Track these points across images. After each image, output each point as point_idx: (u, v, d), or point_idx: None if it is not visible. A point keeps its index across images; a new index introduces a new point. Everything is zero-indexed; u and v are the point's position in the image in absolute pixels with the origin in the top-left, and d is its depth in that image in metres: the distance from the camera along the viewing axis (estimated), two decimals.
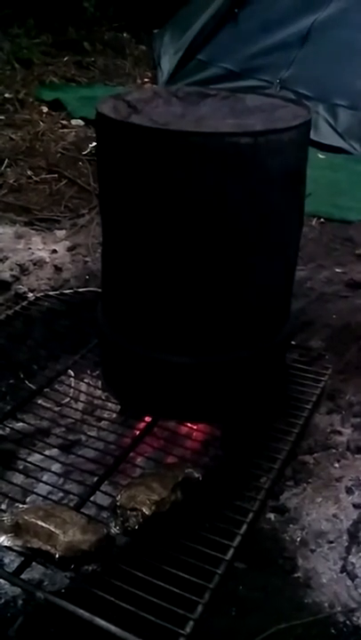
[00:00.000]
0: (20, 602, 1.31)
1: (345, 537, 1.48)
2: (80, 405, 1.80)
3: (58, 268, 2.46)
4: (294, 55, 4.10)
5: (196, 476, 1.39)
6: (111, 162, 1.43)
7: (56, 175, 3.29)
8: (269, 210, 1.38)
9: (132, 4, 5.47)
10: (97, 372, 1.86)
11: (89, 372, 1.89)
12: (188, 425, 1.66)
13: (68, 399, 1.81)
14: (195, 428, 1.67)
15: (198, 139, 1.30)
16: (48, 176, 3.28)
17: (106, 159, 1.47)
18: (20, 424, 1.70)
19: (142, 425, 1.65)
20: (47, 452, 1.62)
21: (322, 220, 2.98)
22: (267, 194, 1.36)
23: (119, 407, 1.75)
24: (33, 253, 2.55)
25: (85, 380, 1.88)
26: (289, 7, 4.19)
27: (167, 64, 4.60)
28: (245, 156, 1.31)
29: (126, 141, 1.35)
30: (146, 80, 4.89)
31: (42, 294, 2.23)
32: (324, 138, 3.77)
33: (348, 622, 1.31)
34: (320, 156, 3.63)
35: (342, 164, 3.64)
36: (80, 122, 3.91)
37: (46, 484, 1.53)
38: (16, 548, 1.23)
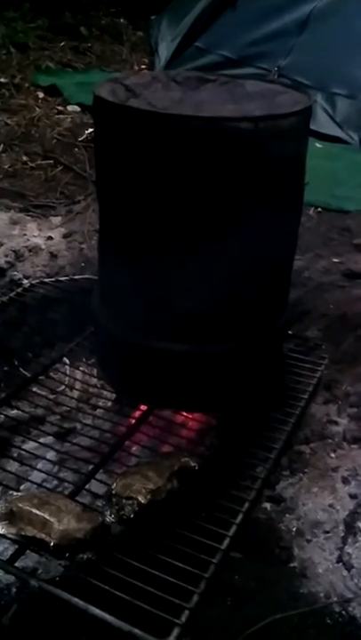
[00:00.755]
0: (14, 590, 1.30)
1: (341, 527, 1.47)
2: (75, 393, 1.79)
3: (53, 255, 2.44)
4: (292, 43, 4.06)
5: (192, 464, 1.38)
6: (109, 146, 1.41)
7: (52, 161, 3.26)
8: (269, 196, 1.36)
9: None
10: (92, 360, 1.85)
11: (84, 359, 1.88)
12: (184, 414, 1.66)
13: (63, 387, 1.79)
14: (191, 416, 1.66)
15: (198, 123, 1.28)
16: (44, 162, 3.25)
17: (103, 144, 1.45)
18: (15, 411, 1.69)
19: (138, 413, 1.64)
20: (42, 440, 1.61)
21: (319, 209, 2.96)
22: (266, 180, 1.34)
23: (115, 395, 1.73)
24: (28, 240, 2.52)
25: (81, 368, 1.86)
26: None
27: (164, 51, 4.56)
28: (246, 141, 1.29)
29: (125, 125, 1.33)
30: (143, 66, 4.84)
31: (37, 281, 2.21)
32: (322, 127, 3.74)
33: (343, 612, 1.30)
34: (318, 145, 3.60)
35: (340, 154, 3.61)
36: (76, 108, 3.87)
37: (41, 471, 1.52)
38: (10, 535, 1.22)
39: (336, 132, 3.76)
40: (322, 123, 3.77)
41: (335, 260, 2.54)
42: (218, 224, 1.36)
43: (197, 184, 1.31)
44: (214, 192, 1.32)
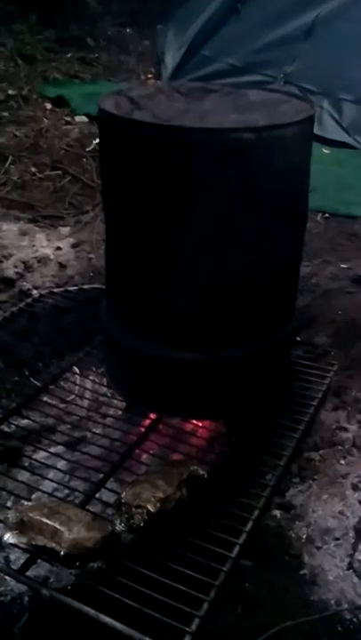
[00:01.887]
0: (26, 599, 1.31)
1: (351, 534, 1.47)
2: (85, 402, 1.80)
3: (62, 265, 2.46)
4: (298, 50, 4.08)
5: (202, 473, 1.38)
6: (114, 158, 1.43)
7: (60, 172, 3.29)
8: (273, 205, 1.37)
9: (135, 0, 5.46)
10: (102, 369, 1.86)
11: (94, 368, 1.89)
12: (194, 422, 1.66)
13: (73, 396, 1.80)
14: (200, 424, 1.66)
15: (202, 134, 1.30)
16: (52, 173, 3.28)
17: (108, 156, 1.46)
18: (26, 421, 1.70)
19: (147, 422, 1.65)
20: (52, 450, 1.62)
21: (327, 215, 2.97)
22: (270, 189, 1.35)
23: (124, 404, 1.74)
24: (37, 250, 2.55)
25: (90, 377, 1.87)
26: (292, 1, 4.17)
27: (171, 59, 4.59)
28: (249, 151, 1.30)
29: (129, 137, 1.35)
30: (150, 76, 4.88)
31: (46, 291, 2.23)
32: (329, 133, 3.76)
33: (354, 619, 1.30)
34: (325, 151, 3.61)
35: (347, 159, 3.62)
36: (84, 118, 3.90)
37: (52, 481, 1.52)
38: (21, 545, 1.23)
39: (343, 137, 3.78)
40: (329, 128, 3.79)
41: (343, 265, 2.55)
42: (223, 233, 1.37)
43: (201, 194, 1.32)
44: (219, 201, 1.33)
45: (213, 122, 1.37)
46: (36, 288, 2.29)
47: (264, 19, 4.24)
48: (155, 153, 1.32)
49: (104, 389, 1.82)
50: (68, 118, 3.93)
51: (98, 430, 1.69)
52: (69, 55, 4.96)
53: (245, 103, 1.51)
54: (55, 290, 2.25)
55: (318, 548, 1.44)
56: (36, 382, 1.87)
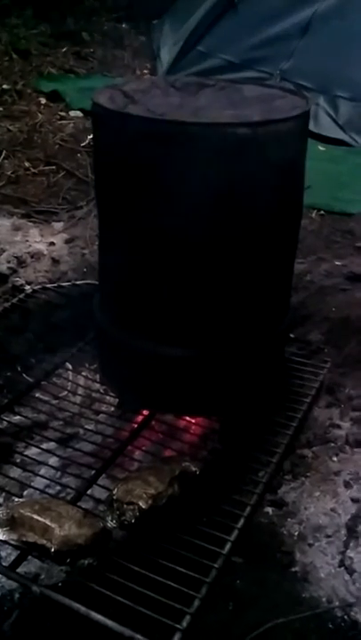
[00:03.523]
0: (17, 596, 1.31)
1: (343, 531, 1.47)
2: (78, 398, 1.79)
3: (55, 261, 2.44)
4: (294, 46, 4.07)
5: (194, 469, 1.38)
6: (108, 152, 1.42)
7: (54, 167, 3.27)
8: (268, 201, 1.36)
9: None
10: (95, 365, 1.85)
11: (87, 365, 1.88)
12: (186, 418, 1.66)
13: (65, 392, 1.80)
14: (193, 421, 1.66)
15: (196, 129, 1.29)
16: (46, 168, 3.26)
17: (102, 150, 1.45)
18: (18, 417, 1.69)
19: (140, 418, 1.65)
20: (44, 446, 1.61)
21: (322, 212, 2.96)
22: (265, 185, 1.34)
23: (117, 400, 1.74)
24: (30, 246, 2.53)
25: (83, 374, 1.87)
26: None
27: (167, 55, 4.57)
28: (244, 146, 1.29)
29: (123, 132, 1.34)
30: (145, 71, 4.86)
31: (39, 287, 2.21)
32: (325, 130, 3.74)
33: (345, 617, 1.30)
34: (320, 148, 3.60)
35: (343, 157, 3.61)
36: (79, 113, 3.88)
37: (43, 477, 1.52)
38: (11, 541, 1.22)
39: (339, 134, 3.77)
40: (325, 125, 3.78)
41: (338, 262, 2.54)
42: (217, 228, 1.36)
43: (196, 189, 1.31)
44: (213, 196, 1.33)
45: (208, 116, 1.36)
46: (29, 283, 2.28)
47: (261, 15, 4.23)
48: (149, 147, 1.31)
49: (97, 386, 1.82)
50: (62, 113, 3.91)
51: (90, 427, 1.68)
52: (64, 50, 4.93)
53: (240, 98, 1.50)
54: (48, 285, 2.23)
55: (310, 546, 1.44)
56: (28, 378, 1.86)
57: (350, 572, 1.39)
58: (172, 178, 1.32)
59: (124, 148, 1.35)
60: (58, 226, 2.73)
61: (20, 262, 2.42)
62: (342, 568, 1.40)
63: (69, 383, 1.84)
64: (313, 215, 2.92)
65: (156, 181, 1.33)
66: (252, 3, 4.31)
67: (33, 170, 3.23)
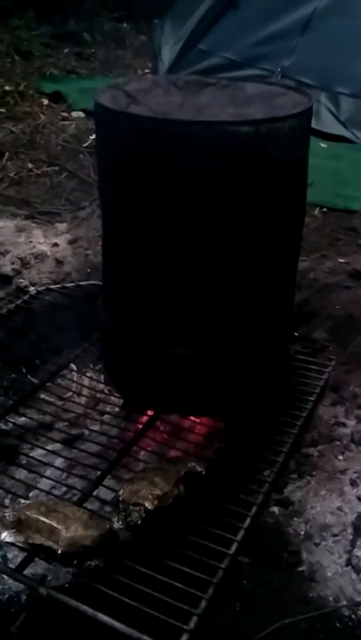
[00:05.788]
0: (24, 598, 1.30)
1: (350, 530, 1.47)
2: (83, 399, 1.79)
3: (59, 262, 2.44)
4: (295, 43, 4.06)
5: (199, 469, 1.38)
6: (110, 153, 1.41)
7: (57, 168, 3.27)
8: (271, 199, 1.36)
9: None
10: (99, 366, 1.85)
11: (91, 365, 1.88)
12: (191, 418, 1.65)
13: (70, 393, 1.80)
14: (198, 421, 1.65)
15: (199, 128, 1.28)
16: (49, 169, 3.27)
17: (105, 150, 1.45)
18: (23, 419, 1.69)
19: (145, 419, 1.64)
20: (50, 447, 1.61)
21: (325, 209, 2.96)
22: (268, 183, 1.34)
23: (122, 401, 1.74)
24: (34, 247, 2.53)
25: (88, 374, 1.87)
26: None
27: (168, 54, 4.57)
28: (246, 144, 1.29)
29: (125, 131, 1.33)
30: (146, 71, 4.86)
31: (43, 288, 2.22)
32: (327, 127, 3.74)
33: (353, 616, 1.30)
34: (322, 145, 3.60)
35: (345, 153, 3.61)
36: (81, 114, 3.89)
37: (49, 479, 1.52)
38: (18, 543, 1.22)
39: (341, 131, 3.76)
40: (326, 122, 3.77)
41: (341, 260, 2.54)
42: (221, 227, 1.36)
43: (198, 187, 1.31)
44: (216, 195, 1.32)
45: (210, 115, 1.36)
46: (32, 285, 2.28)
47: (261, 13, 4.22)
48: (151, 147, 1.31)
49: (101, 386, 1.82)
50: (64, 114, 3.92)
51: (95, 427, 1.68)
52: (66, 50, 4.94)
53: (243, 96, 1.49)
54: (52, 286, 2.23)
55: (317, 545, 1.44)
56: (33, 379, 1.86)
57: (357, 570, 1.38)
58: (175, 176, 1.32)
59: (125, 148, 1.35)
60: (61, 227, 2.74)
61: (24, 263, 2.42)
62: (349, 567, 1.39)
63: (74, 384, 1.84)
64: (316, 212, 2.91)
65: (158, 180, 1.33)
66: (252, 1, 4.31)
67: (36, 171, 3.23)
